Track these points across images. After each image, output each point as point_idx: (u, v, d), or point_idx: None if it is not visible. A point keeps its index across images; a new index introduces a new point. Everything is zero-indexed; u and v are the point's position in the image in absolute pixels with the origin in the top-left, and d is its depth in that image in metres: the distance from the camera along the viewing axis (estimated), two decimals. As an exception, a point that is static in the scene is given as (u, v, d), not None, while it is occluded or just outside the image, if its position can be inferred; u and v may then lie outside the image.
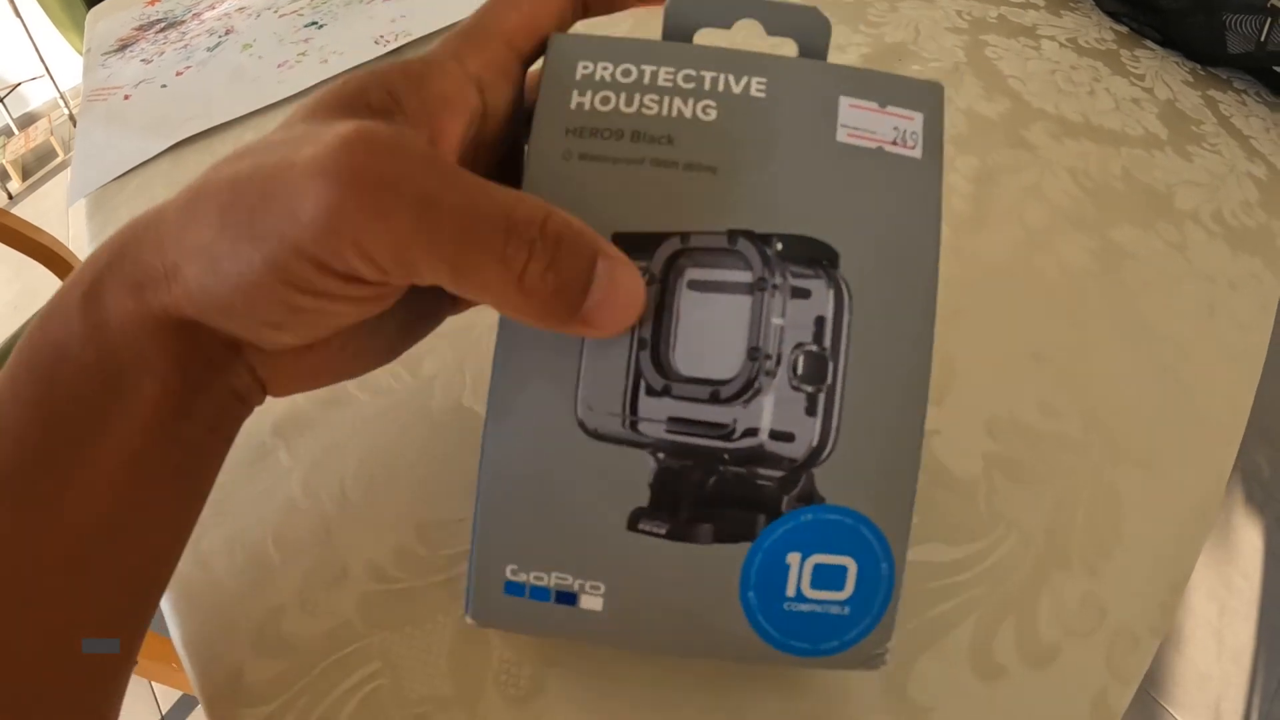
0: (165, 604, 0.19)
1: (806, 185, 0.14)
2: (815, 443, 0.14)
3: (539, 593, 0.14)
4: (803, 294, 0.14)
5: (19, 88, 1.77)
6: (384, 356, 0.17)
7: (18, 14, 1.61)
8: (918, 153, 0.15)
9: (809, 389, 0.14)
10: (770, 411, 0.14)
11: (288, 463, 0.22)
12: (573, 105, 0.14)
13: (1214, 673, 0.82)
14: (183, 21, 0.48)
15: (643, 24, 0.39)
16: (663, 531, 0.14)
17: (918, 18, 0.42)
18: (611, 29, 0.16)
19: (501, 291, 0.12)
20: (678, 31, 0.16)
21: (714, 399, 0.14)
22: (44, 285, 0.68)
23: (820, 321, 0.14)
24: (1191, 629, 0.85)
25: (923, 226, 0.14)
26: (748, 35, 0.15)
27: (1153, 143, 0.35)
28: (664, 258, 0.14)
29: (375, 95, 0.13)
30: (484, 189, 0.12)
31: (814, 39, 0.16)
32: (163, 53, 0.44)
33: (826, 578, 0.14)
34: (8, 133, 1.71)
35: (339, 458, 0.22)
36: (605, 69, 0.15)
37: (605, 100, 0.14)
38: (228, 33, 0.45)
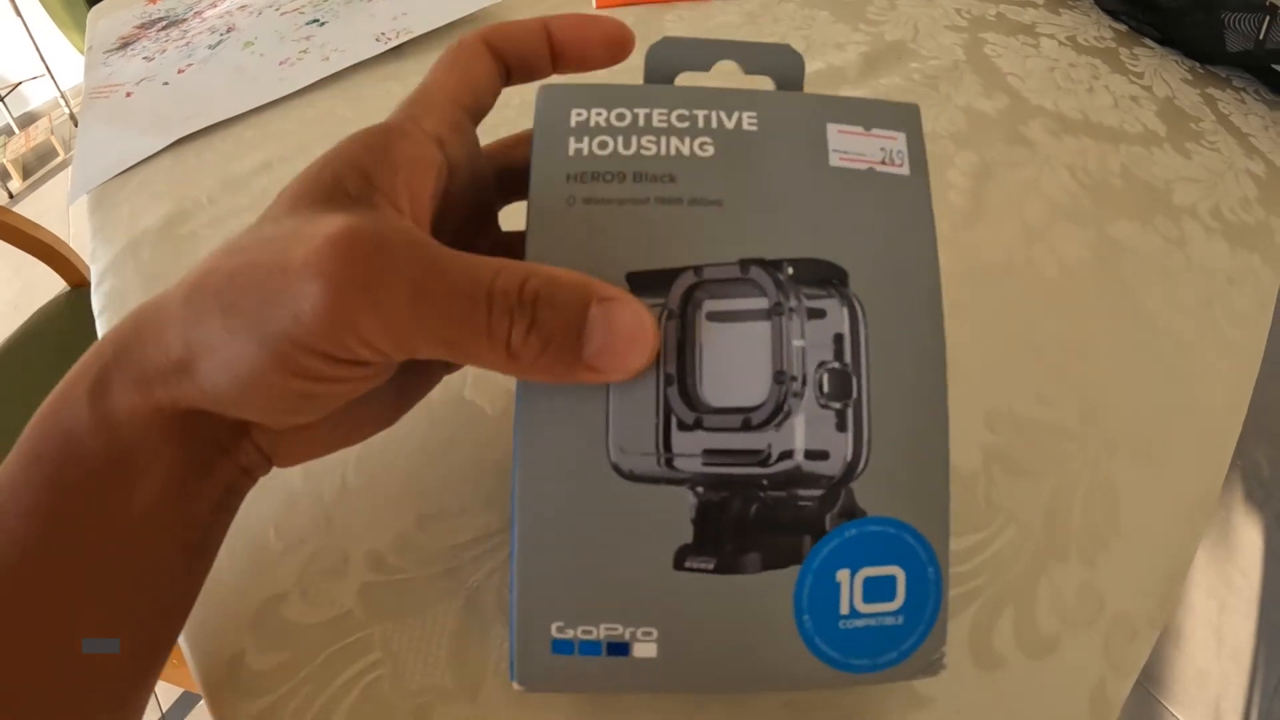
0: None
1: (808, 210, 0.15)
2: (850, 457, 0.14)
3: (589, 647, 0.14)
4: (819, 314, 0.14)
5: (19, 87, 1.77)
6: (385, 422, 0.18)
7: (18, 13, 1.61)
8: (905, 170, 0.15)
9: (837, 405, 0.14)
10: (803, 432, 0.14)
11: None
12: (570, 152, 0.15)
13: (1213, 670, 0.82)
14: (184, 20, 0.48)
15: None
16: (710, 566, 0.14)
17: (917, 16, 0.42)
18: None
19: (493, 360, 0.13)
20: (659, 76, 0.17)
21: (746, 426, 0.14)
22: (44, 283, 0.68)
23: (839, 339, 0.14)
24: (1191, 627, 0.85)
25: (920, 238, 0.15)
26: (726, 78, 0.16)
27: (1151, 140, 0.35)
28: (680, 292, 0.14)
29: (351, 182, 0.14)
30: (465, 266, 0.13)
31: (789, 73, 0.17)
32: (164, 50, 0.44)
33: (878, 590, 0.14)
34: (8, 132, 1.71)
35: (341, 449, 0.22)
36: (599, 114, 0.15)
37: (603, 144, 0.15)
38: (229, 31, 0.45)
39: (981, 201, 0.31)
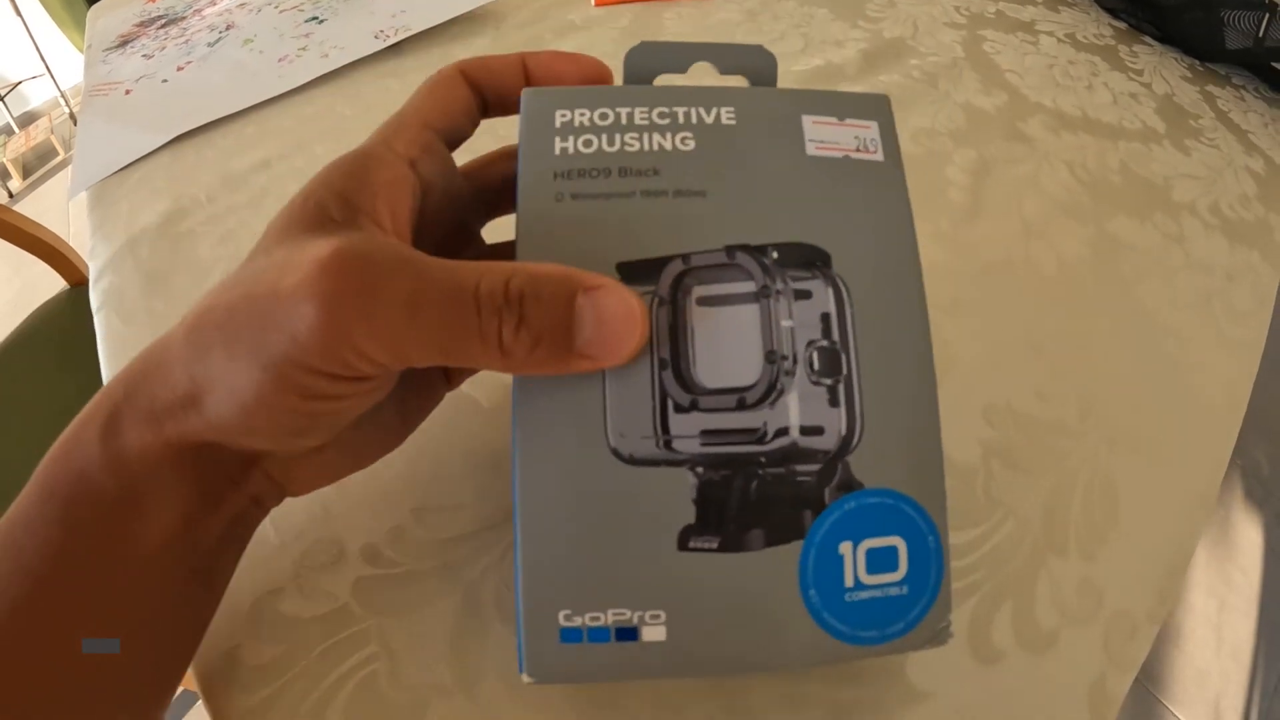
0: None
1: (789, 196, 0.15)
2: (844, 432, 0.14)
3: (598, 634, 0.14)
4: (805, 295, 0.15)
5: (19, 86, 1.77)
6: (391, 444, 0.18)
7: (18, 12, 1.61)
8: (880, 156, 0.16)
9: (828, 382, 0.14)
10: (796, 409, 0.14)
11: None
12: (556, 151, 0.15)
13: (1213, 669, 0.82)
14: (184, 18, 0.48)
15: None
16: (714, 545, 0.14)
17: (916, 13, 0.42)
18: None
19: (487, 360, 0.13)
20: (637, 79, 0.17)
21: (741, 406, 0.14)
22: (44, 282, 0.68)
23: (826, 318, 0.15)
24: (1191, 625, 0.85)
25: (898, 219, 0.16)
26: (702, 79, 0.16)
27: (1150, 137, 0.35)
28: (670, 280, 0.15)
29: (335, 208, 0.14)
30: (451, 272, 0.13)
31: (762, 73, 0.18)
32: (164, 48, 0.44)
33: (880, 561, 0.14)
34: (8, 131, 1.71)
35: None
36: (583, 115, 0.15)
37: (588, 143, 0.15)
38: (228, 28, 0.45)
39: (981, 198, 0.31)
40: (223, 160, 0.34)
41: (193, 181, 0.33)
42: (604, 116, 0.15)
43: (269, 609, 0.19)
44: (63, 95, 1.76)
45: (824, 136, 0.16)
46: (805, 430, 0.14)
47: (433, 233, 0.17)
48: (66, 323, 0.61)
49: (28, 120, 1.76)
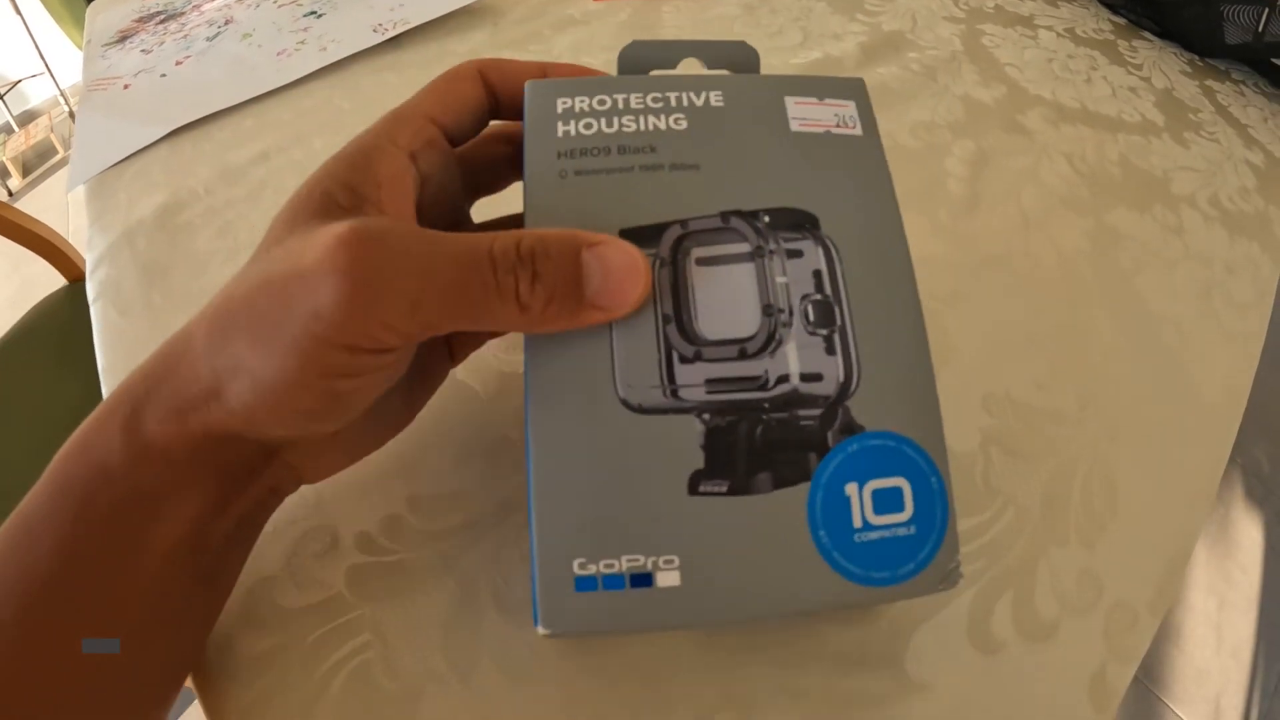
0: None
1: (776, 167, 0.17)
2: (842, 378, 0.15)
3: (612, 581, 0.14)
4: (796, 254, 0.16)
5: (19, 85, 1.77)
6: (399, 425, 0.18)
7: (18, 11, 1.61)
8: (859, 131, 0.17)
9: (824, 332, 0.15)
10: (795, 357, 0.15)
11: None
12: (559, 134, 0.16)
13: (1213, 668, 0.82)
14: (182, 13, 0.48)
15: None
16: (724, 489, 0.14)
17: (915, 7, 0.42)
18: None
19: (506, 316, 0.14)
20: (630, 74, 0.18)
21: (743, 355, 0.15)
22: (43, 280, 0.68)
23: (818, 274, 0.16)
24: (1191, 624, 0.85)
25: (879, 185, 0.17)
26: (690, 72, 0.17)
27: (1150, 130, 0.35)
28: (670, 243, 0.16)
29: (342, 196, 0.15)
30: (463, 239, 0.14)
31: (746, 67, 0.19)
32: (162, 43, 0.44)
33: (886, 501, 0.15)
34: (8, 130, 1.71)
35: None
36: (582, 101, 0.17)
37: (588, 125, 0.16)
38: (227, 23, 0.45)
39: (980, 190, 0.31)
40: (221, 153, 0.34)
41: (191, 174, 0.33)
42: (602, 102, 0.17)
43: (262, 598, 0.18)
44: (62, 94, 1.76)
45: (806, 115, 0.17)
46: (805, 377, 0.15)
47: (428, 222, 0.17)
48: (65, 319, 0.61)
49: (27, 119, 1.76)
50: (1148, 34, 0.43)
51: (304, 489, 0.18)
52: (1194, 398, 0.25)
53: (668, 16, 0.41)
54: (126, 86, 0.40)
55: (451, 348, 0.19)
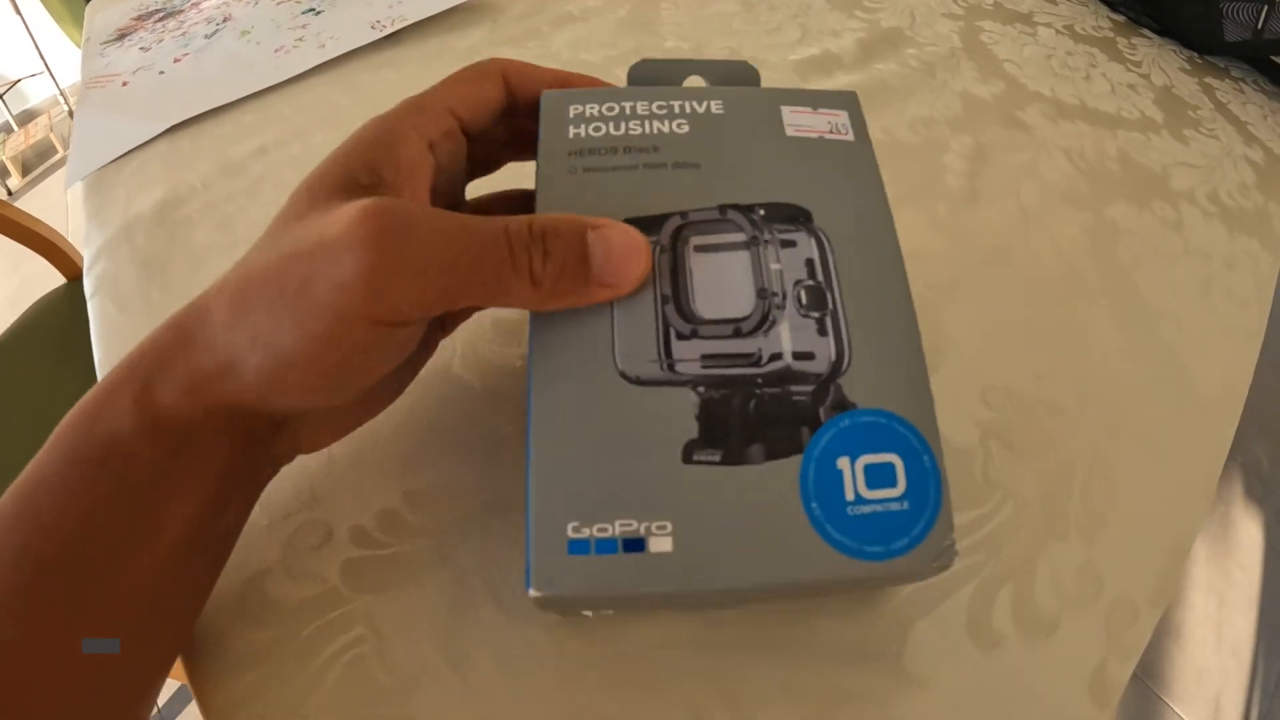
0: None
1: (772, 167, 0.18)
2: (834, 357, 0.16)
3: (605, 545, 0.14)
4: (790, 244, 0.17)
5: (19, 84, 1.77)
6: (393, 396, 0.19)
7: (17, 10, 1.61)
8: (850, 137, 0.19)
9: (816, 315, 0.16)
10: (788, 337, 0.16)
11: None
12: (570, 136, 0.18)
13: (1213, 666, 0.82)
14: (181, 11, 0.48)
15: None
16: (717, 458, 0.15)
17: (914, 3, 0.42)
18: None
19: (520, 291, 0.15)
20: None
21: (737, 334, 0.16)
22: (42, 278, 0.68)
23: (810, 263, 0.17)
24: (1191, 623, 0.85)
25: (870, 185, 0.18)
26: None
27: (1149, 126, 0.35)
28: (670, 231, 0.17)
29: (362, 175, 0.15)
30: (480, 220, 0.15)
31: (747, 83, 0.20)
32: (161, 41, 0.44)
33: (878, 476, 0.15)
34: (7, 129, 1.71)
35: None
36: (593, 108, 0.18)
37: (597, 129, 0.18)
38: (225, 20, 0.45)
39: (979, 185, 0.31)
40: (219, 148, 0.34)
41: (189, 169, 0.33)
42: (611, 109, 0.18)
43: (256, 591, 0.18)
44: (62, 93, 1.76)
45: (801, 122, 0.19)
46: (797, 355, 0.16)
47: (434, 205, 0.17)
48: (64, 318, 0.61)
49: (27, 118, 1.76)
50: (1147, 31, 0.43)
51: (299, 483, 0.18)
52: (1193, 392, 0.25)
53: (666, 13, 0.41)
54: (125, 84, 0.40)
55: (443, 320, 0.20)
